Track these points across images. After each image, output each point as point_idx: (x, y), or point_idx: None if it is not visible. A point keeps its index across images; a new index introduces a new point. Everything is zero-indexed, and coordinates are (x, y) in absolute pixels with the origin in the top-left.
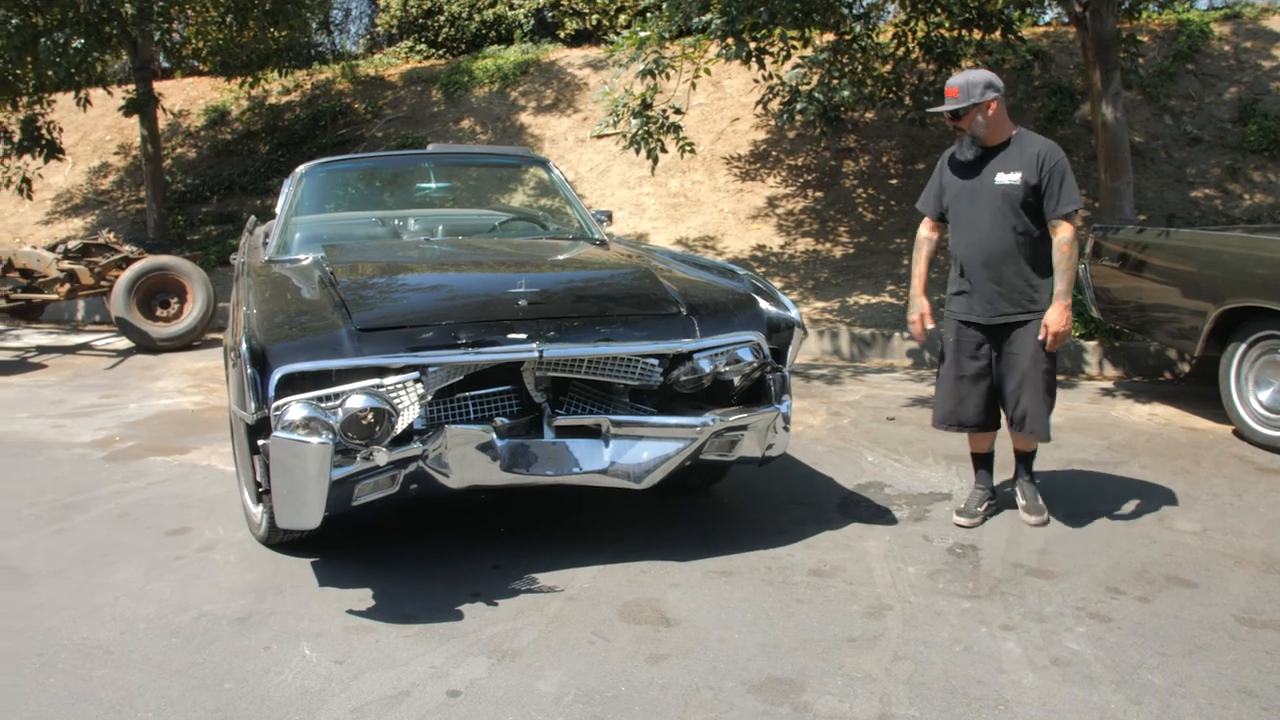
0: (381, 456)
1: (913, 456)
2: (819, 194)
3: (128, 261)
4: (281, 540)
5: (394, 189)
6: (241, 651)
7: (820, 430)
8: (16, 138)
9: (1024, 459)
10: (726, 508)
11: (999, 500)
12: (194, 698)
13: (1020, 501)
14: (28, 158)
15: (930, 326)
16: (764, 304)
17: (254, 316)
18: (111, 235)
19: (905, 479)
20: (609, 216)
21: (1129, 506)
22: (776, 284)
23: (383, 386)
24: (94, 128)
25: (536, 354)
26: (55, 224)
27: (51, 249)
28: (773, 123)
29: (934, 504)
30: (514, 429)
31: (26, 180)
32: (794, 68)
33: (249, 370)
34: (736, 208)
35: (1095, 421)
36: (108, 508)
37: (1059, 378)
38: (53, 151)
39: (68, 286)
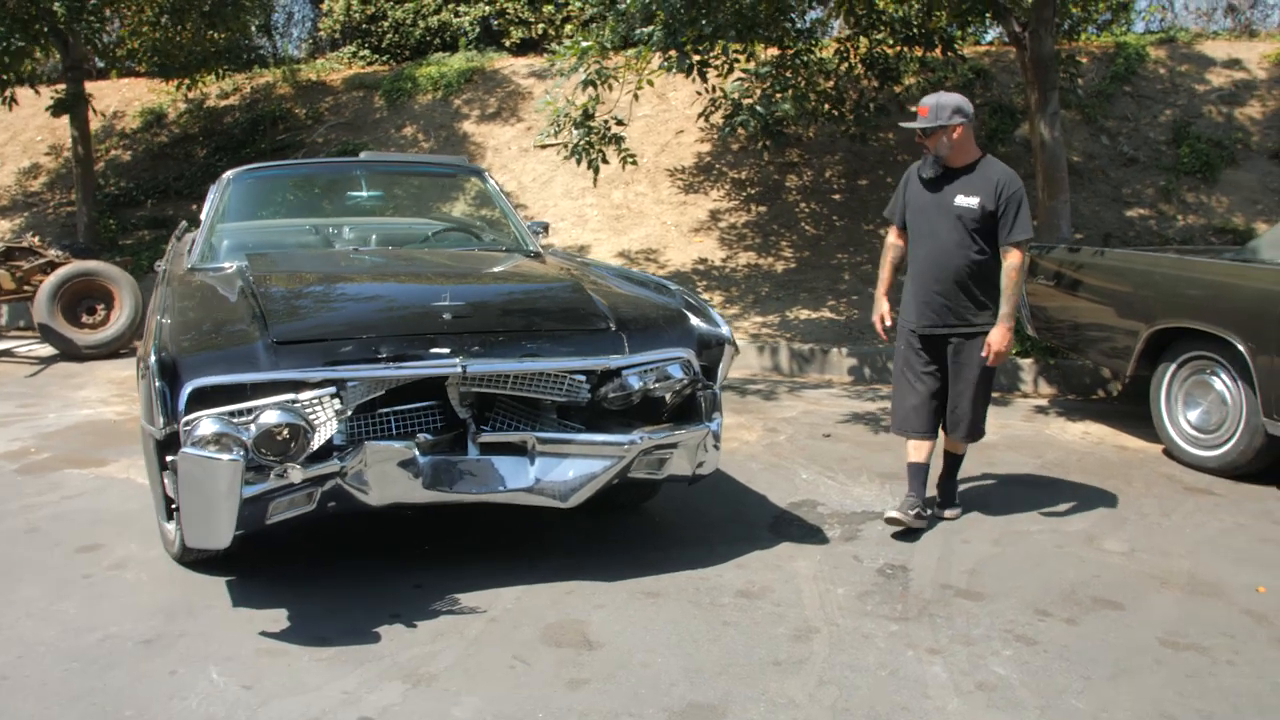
0: (296, 474)
1: (847, 474)
2: (762, 208)
3: (53, 266)
4: (196, 558)
5: (325, 197)
6: (145, 676)
7: (755, 447)
8: None
9: (953, 460)
10: (657, 526)
11: (930, 516)
12: None
13: (939, 499)
14: None
15: (889, 324)
16: (695, 320)
17: (167, 326)
18: (36, 238)
19: (839, 497)
20: (545, 228)
21: (1059, 526)
22: (717, 298)
23: (298, 402)
24: (24, 127)
25: (459, 369)
26: None
27: None
28: (716, 135)
29: (866, 523)
30: (437, 445)
31: None
32: (736, 81)
33: (157, 383)
34: (679, 220)
35: (1029, 439)
36: (16, 523)
37: (994, 395)
38: None
39: None
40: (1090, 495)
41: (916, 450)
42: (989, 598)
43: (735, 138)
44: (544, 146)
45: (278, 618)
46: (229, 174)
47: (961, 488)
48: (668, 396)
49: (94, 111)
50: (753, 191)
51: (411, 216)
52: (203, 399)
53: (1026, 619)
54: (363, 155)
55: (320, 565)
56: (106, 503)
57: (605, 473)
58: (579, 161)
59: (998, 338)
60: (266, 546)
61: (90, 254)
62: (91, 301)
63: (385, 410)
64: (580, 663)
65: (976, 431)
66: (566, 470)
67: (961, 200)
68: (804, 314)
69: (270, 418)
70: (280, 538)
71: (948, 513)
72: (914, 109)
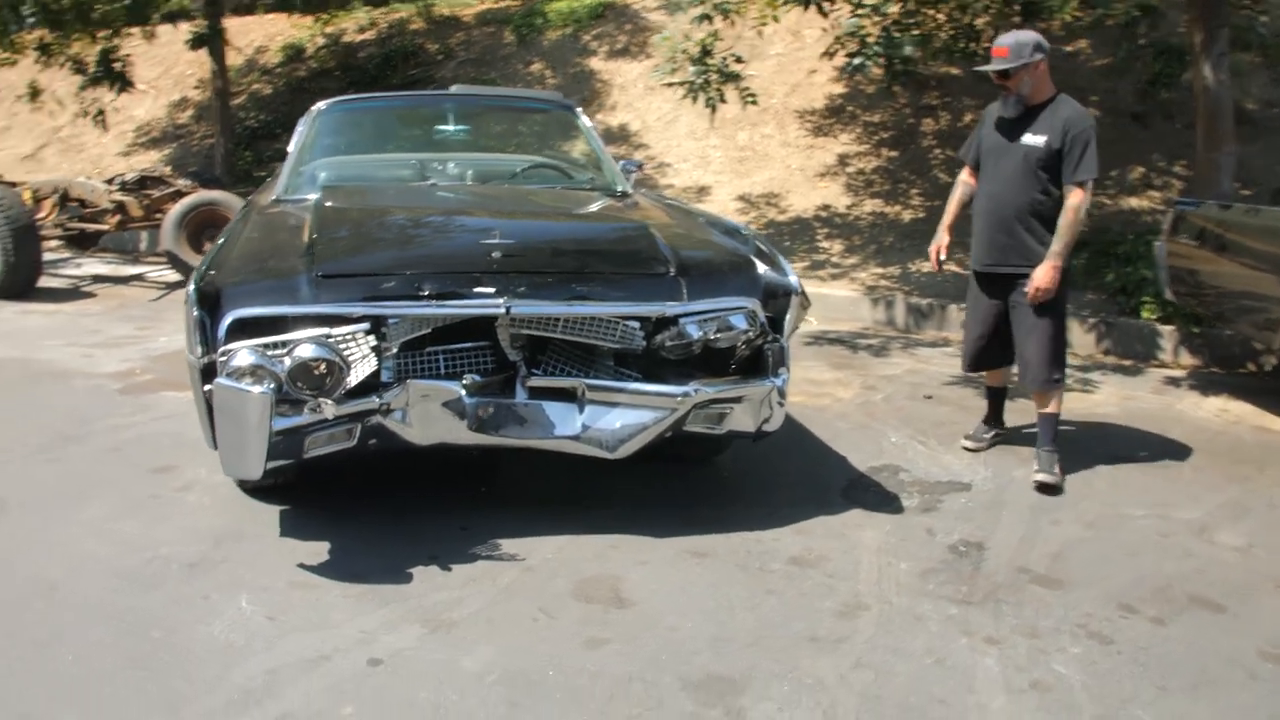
0: (330, 409)
1: (940, 440)
2: (893, 153)
3: (180, 195)
4: (255, 486)
5: (415, 130)
6: (181, 599)
7: (848, 405)
8: (91, 70)
9: (1043, 422)
10: (722, 482)
11: (1007, 435)
12: (119, 644)
13: (1034, 464)
14: (105, 90)
15: (944, 258)
16: (762, 269)
17: (218, 256)
18: (168, 169)
19: (925, 464)
20: (639, 167)
21: (1169, 513)
22: (837, 247)
23: (331, 337)
24: (176, 61)
25: (503, 310)
26: (134, 155)
27: (109, 181)
28: (848, 76)
29: (949, 494)
30: (486, 387)
31: (102, 112)
32: (852, 19)
33: (195, 312)
34: (805, 164)
35: (1155, 414)
36: (104, 441)
37: (1125, 363)
38: (124, 84)
39: (118, 218)
40: (1213, 480)
41: (991, 376)
42: (1069, 586)
43: (863, 78)
44: (669, 85)
45: (319, 551)
46: (319, 105)
47: (1066, 462)
48: (737, 348)
49: (230, 46)
50: (885, 136)
51: (501, 152)
52: (245, 330)
53: (1106, 614)
54: (454, 89)
55: (372, 500)
56: (191, 426)
57: (656, 424)
58: (694, 100)
59: (1042, 274)
60: (324, 478)
61: (216, 184)
62: (214, 230)
63: (435, 349)
64: (606, 621)
65: (1043, 380)
66: (616, 420)
67: (1029, 138)
68: (928, 267)
69: (304, 352)
70: (337, 470)
71: (1042, 477)
72: (991, 49)
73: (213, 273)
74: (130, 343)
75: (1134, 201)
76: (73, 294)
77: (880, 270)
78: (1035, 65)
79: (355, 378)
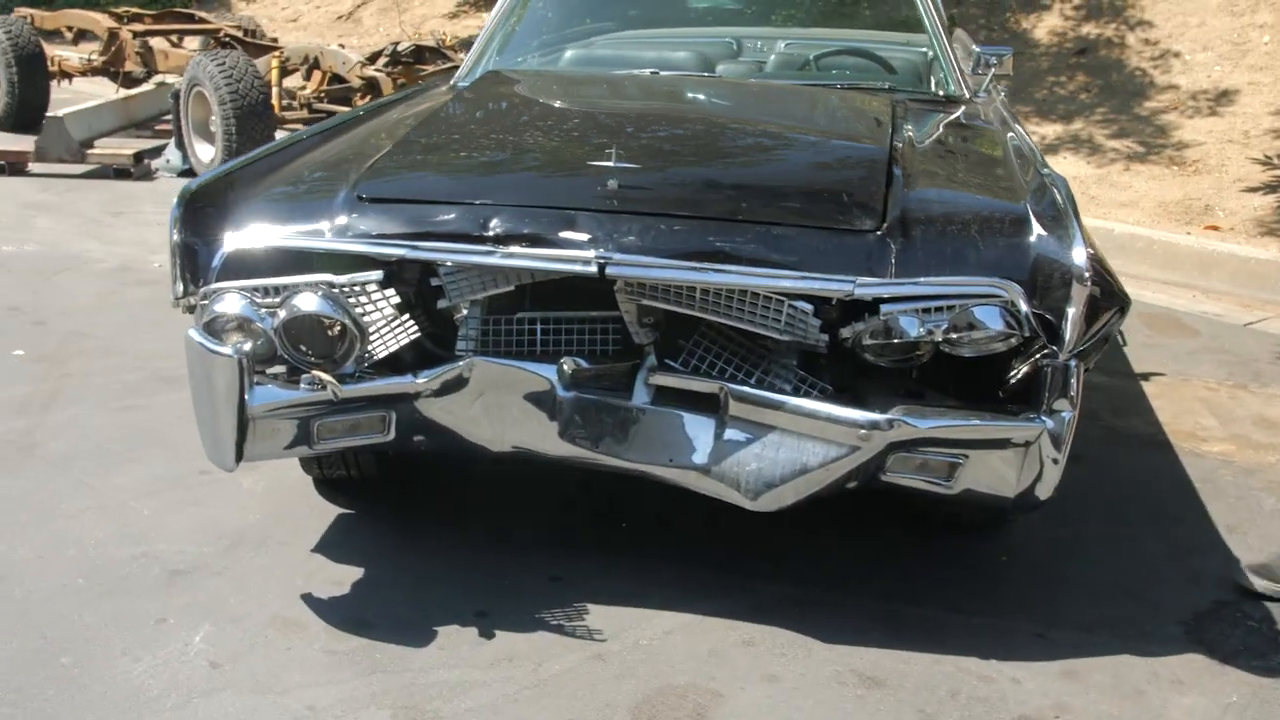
0: (332, 387)
1: None
2: None
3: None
4: (321, 476)
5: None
6: (129, 618)
7: (1272, 454)
8: None
9: None
10: (978, 567)
11: None
12: (14, 668)
13: None
14: None
15: None
16: (1037, 234)
17: (257, 160)
18: (447, 38)
19: None
20: (999, 58)
21: None
22: None
23: (335, 286)
24: None
25: (593, 267)
26: (463, 18)
27: (374, 56)
28: None
29: None
30: (596, 378)
31: None
32: None
33: (178, 234)
34: None
35: None
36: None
37: None
38: None
39: (367, 99)
40: None
41: None
42: None
43: None
44: None
45: (340, 579)
46: None
47: None
48: (1008, 361)
49: None
50: None
51: (801, 33)
52: (251, 269)
53: None
54: None
55: (469, 515)
56: None
57: (824, 467)
58: None
59: None
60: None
61: None
62: None
63: (532, 315)
64: None
65: None
66: (768, 452)
67: None
68: None
69: (301, 304)
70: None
71: None
72: None
73: (217, 180)
74: None
75: None
76: None
77: None
78: None
79: (384, 345)
